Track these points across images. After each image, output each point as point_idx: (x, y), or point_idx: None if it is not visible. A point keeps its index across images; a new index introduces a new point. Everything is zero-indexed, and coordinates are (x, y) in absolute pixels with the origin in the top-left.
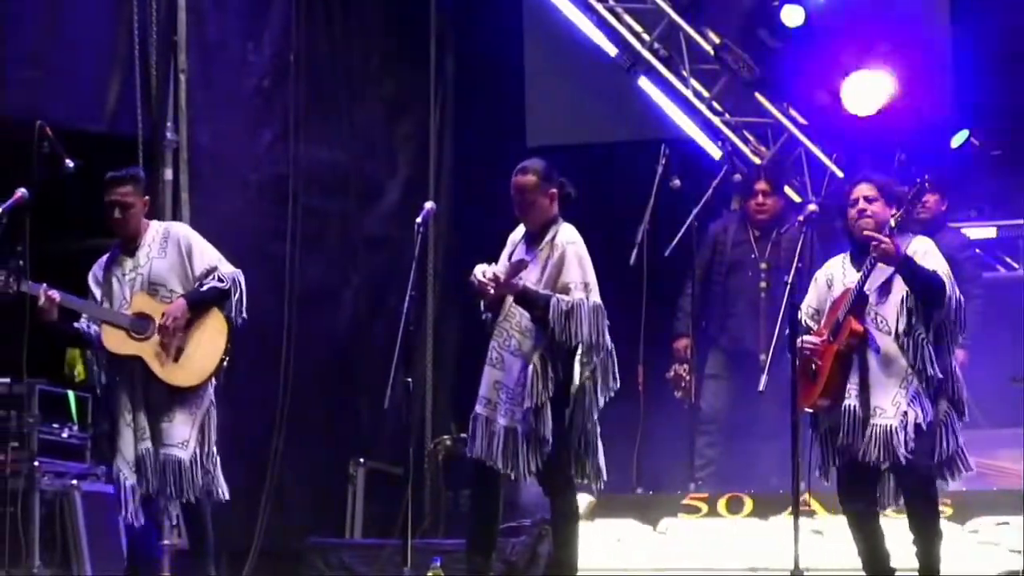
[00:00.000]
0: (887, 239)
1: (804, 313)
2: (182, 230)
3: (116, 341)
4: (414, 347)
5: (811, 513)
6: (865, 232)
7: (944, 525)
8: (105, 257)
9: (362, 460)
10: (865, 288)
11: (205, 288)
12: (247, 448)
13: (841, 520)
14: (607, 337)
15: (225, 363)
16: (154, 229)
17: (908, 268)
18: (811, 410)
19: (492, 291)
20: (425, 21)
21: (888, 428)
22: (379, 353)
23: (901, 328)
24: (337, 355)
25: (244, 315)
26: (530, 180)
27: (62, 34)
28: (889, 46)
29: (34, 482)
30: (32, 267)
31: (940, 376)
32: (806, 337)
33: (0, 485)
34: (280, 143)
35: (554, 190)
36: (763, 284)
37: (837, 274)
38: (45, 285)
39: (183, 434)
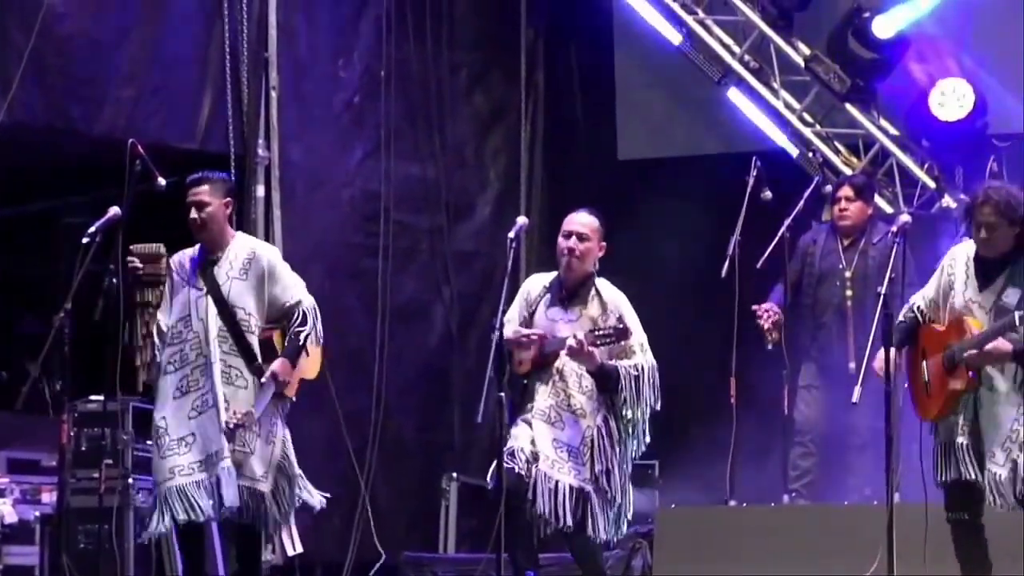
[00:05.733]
0: (1006, 350)
1: (922, 300)
2: (268, 255)
3: None
4: (507, 362)
5: None
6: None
7: None
8: (189, 258)
9: (455, 475)
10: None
11: (298, 340)
12: (341, 463)
13: None
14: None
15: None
16: (239, 244)
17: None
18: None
19: (534, 348)
20: (515, 35)
21: (998, 477)
22: (471, 368)
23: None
24: (429, 370)
25: (320, 338)
26: (588, 227)
27: (157, 54)
28: (976, 54)
29: (129, 499)
30: (125, 284)
31: None
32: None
33: (95, 502)
34: (371, 159)
35: (604, 243)
36: (848, 293)
37: (959, 278)
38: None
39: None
